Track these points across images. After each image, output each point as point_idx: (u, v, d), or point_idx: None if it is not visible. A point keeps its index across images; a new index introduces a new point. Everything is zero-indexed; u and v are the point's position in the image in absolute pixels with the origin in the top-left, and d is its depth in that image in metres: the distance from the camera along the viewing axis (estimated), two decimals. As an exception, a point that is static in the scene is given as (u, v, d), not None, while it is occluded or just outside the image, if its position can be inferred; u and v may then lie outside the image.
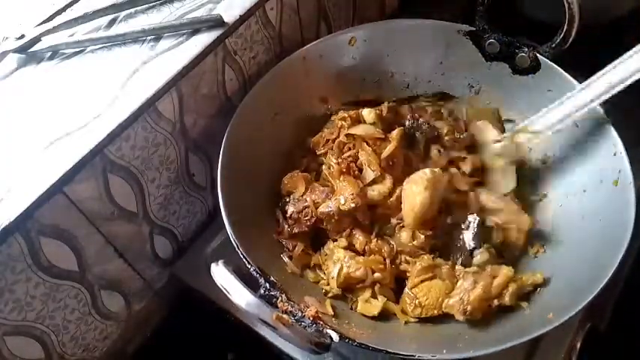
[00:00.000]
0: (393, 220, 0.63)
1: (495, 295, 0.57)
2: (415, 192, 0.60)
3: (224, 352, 0.73)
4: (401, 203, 0.62)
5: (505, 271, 0.59)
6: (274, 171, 0.68)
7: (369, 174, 0.63)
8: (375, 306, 0.59)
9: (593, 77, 0.60)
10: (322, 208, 0.62)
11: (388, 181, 0.63)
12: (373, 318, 0.59)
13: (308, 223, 0.62)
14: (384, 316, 0.59)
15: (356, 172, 0.64)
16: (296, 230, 0.63)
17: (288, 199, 0.65)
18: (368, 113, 0.67)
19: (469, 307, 0.56)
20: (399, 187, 0.62)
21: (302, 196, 0.64)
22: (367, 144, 0.65)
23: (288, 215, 0.64)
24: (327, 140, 0.68)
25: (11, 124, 0.56)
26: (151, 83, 0.58)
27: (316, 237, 0.65)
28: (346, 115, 0.67)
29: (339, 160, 0.64)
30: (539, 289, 0.59)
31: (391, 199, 0.62)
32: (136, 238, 0.65)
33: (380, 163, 0.63)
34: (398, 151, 0.64)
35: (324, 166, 0.67)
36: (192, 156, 0.68)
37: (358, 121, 0.68)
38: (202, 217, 0.75)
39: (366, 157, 0.64)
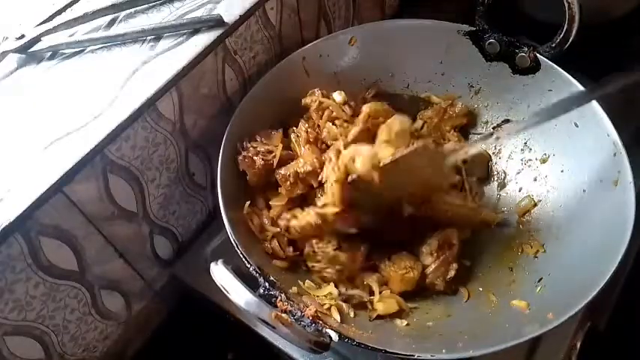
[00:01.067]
0: None
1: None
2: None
3: (224, 352, 0.73)
4: None
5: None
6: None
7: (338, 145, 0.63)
8: (391, 303, 0.60)
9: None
10: (281, 170, 0.63)
11: None
12: (379, 317, 0.59)
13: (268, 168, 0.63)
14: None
15: (323, 147, 0.66)
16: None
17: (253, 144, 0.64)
18: (338, 94, 0.69)
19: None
20: None
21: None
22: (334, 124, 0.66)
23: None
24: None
25: (11, 124, 0.56)
26: (151, 83, 0.58)
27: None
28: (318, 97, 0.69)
29: (309, 130, 0.66)
30: (541, 281, 0.59)
31: None
32: (135, 238, 0.65)
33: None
34: (364, 134, 0.64)
35: (292, 134, 0.68)
36: (192, 156, 0.68)
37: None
38: (202, 217, 0.75)
39: (333, 132, 0.66)
